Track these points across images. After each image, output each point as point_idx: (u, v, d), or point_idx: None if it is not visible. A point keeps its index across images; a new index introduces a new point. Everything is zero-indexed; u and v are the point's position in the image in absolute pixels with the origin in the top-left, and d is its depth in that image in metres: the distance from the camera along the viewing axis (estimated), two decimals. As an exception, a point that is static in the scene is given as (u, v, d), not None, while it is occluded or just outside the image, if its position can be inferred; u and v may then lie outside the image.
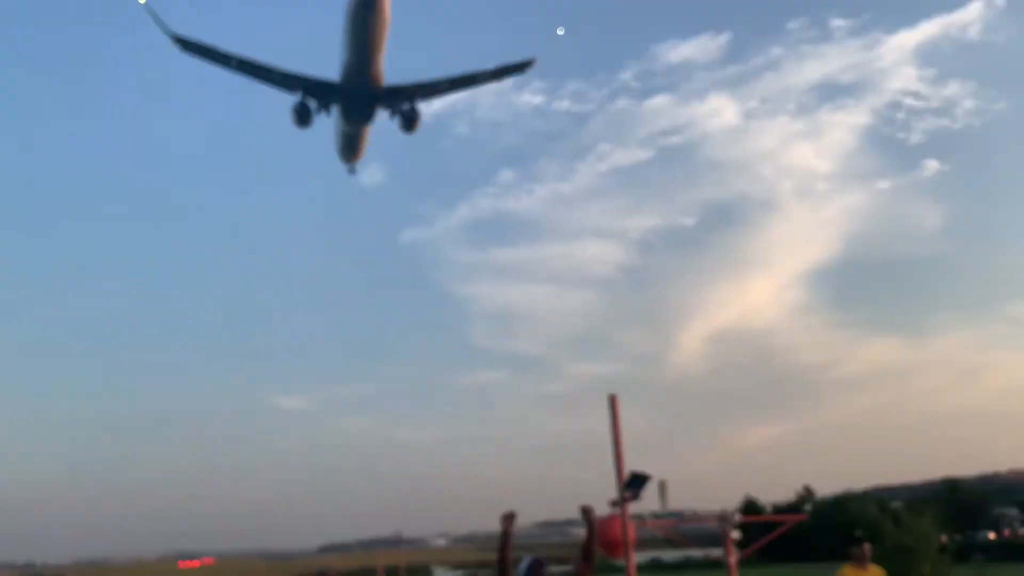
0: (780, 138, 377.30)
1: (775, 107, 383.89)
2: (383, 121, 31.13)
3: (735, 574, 18.44)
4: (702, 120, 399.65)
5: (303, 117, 30.04)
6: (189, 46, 28.21)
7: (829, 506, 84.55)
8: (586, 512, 7.60)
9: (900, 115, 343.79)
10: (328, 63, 29.28)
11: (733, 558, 18.50)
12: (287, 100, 30.14)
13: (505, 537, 7.32)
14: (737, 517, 18.92)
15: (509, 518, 7.37)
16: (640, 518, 22.45)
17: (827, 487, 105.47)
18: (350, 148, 31.83)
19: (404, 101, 30.11)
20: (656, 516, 23.37)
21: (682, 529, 28.50)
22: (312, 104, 29.82)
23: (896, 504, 73.13)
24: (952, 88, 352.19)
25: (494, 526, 7.34)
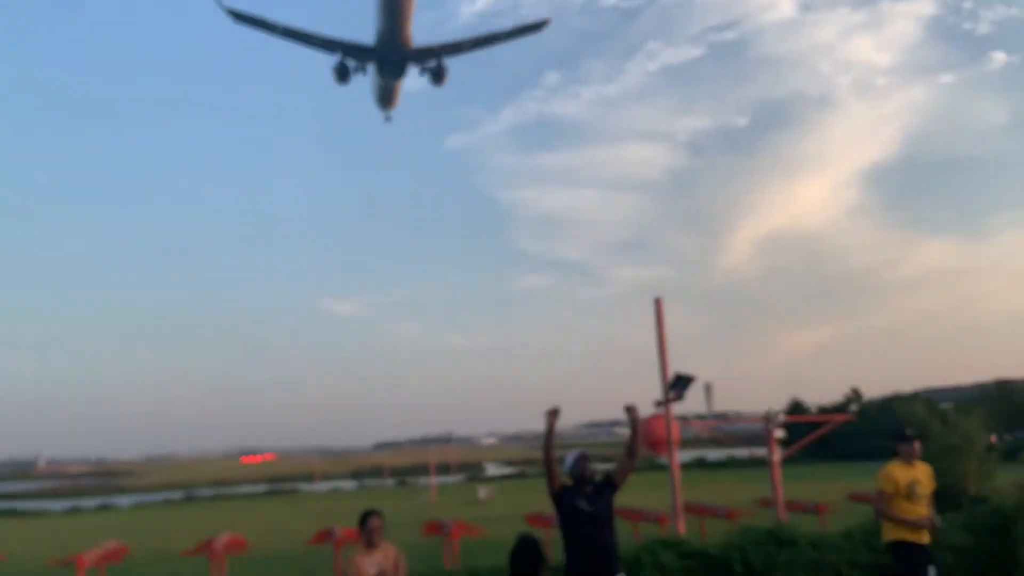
0: (839, 31, 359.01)
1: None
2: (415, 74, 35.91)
3: (778, 472, 18.68)
4: (757, 13, 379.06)
5: (342, 75, 34.65)
6: (241, 18, 32.52)
7: (877, 407, 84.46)
8: (630, 411, 7.68)
9: (967, 4, 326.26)
10: (363, 28, 33.91)
11: (776, 456, 18.71)
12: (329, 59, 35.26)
13: (549, 432, 7.48)
14: (781, 417, 19.00)
15: (553, 413, 7.50)
16: (684, 418, 22.74)
17: (876, 390, 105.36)
18: (385, 98, 36.36)
19: (431, 59, 34.37)
20: (701, 417, 23.63)
21: (726, 429, 28.79)
22: (350, 64, 34.37)
23: (945, 405, 72.71)
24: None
25: (541, 426, 7.51)
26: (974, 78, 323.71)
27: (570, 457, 7.41)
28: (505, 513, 31.85)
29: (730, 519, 20.87)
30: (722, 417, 20.38)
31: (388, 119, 38.20)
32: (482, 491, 51.18)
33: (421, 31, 33.76)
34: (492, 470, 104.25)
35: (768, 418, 18.83)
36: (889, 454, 8.67)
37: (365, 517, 7.13)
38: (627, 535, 16.71)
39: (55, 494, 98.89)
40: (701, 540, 13.78)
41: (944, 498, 10.21)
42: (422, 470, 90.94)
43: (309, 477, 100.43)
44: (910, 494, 8.33)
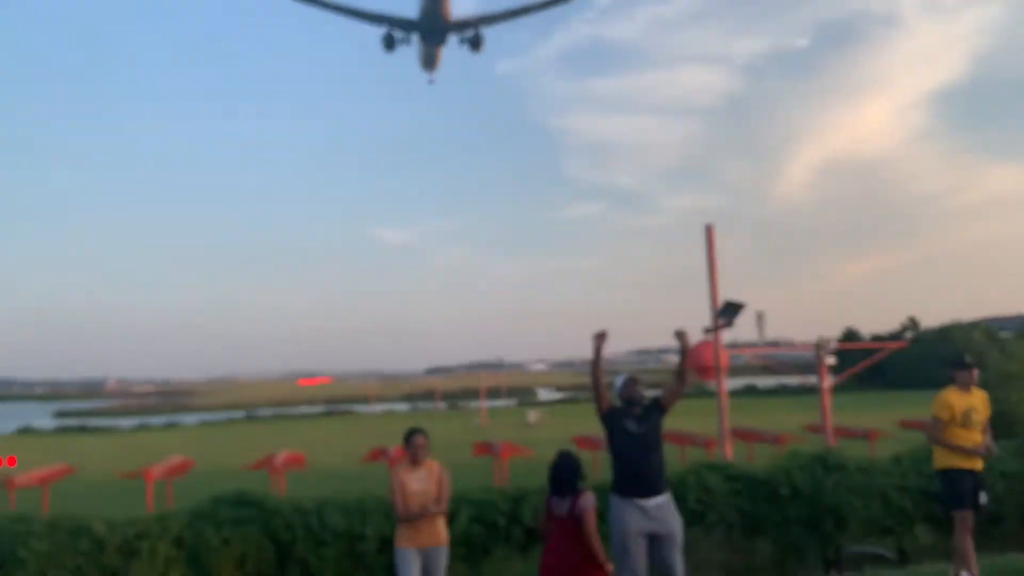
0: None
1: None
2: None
3: (828, 398, 18.55)
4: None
5: (389, 44, 38.79)
6: None
7: (934, 336, 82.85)
8: (680, 336, 7.62)
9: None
10: (407, 5, 38.98)
11: (826, 383, 18.57)
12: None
13: (596, 355, 7.48)
14: (832, 344, 18.76)
15: (600, 336, 7.47)
16: (734, 346, 22.61)
17: (934, 319, 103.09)
18: (429, 63, 39.99)
19: (470, 29, 38.38)
20: (752, 345, 23.43)
21: (778, 356, 28.57)
22: (397, 35, 38.54)
23: (1005, 334, 70.92)
24: None
25: (589, 352, 7.50)
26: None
27: (619, 379, 7.43)
28: (553, 436, 32.36)
29: (778, 444, 20.91)
30: (773, 345, 20.18)
31: (431, 82, 42.02)
32: (531, 415, 52.02)
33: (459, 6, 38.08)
34: (544, 395, 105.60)
35: (819, 345, 18.61)
36: (945, 382, 8.50)
37: (410, 435, 7.17)
38: (674, 459, 16.87)
39: (123, 412, 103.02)
40: (748, 464, 13.86)
41: (999, 426, 10.02)
42: (473, 394, 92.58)
43: (364, 399, 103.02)
44: (965, 421, 8.19)
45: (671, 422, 8.08)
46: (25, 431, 63.74)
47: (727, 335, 18.47)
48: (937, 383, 8.89)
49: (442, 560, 6.99)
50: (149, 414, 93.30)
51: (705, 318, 18.64)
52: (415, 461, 7.11)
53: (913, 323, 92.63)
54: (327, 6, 37.03)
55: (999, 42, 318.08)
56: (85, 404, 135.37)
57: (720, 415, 17.93)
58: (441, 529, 7.06)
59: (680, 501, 7.61)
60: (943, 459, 8.39)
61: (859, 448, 18.93)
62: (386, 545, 9.11)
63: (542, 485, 7.22)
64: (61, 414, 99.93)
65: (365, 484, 12.67)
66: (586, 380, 8.03)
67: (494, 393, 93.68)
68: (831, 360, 18.84)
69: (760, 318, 20.65)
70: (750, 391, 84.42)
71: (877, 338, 77.63)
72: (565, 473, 6.68)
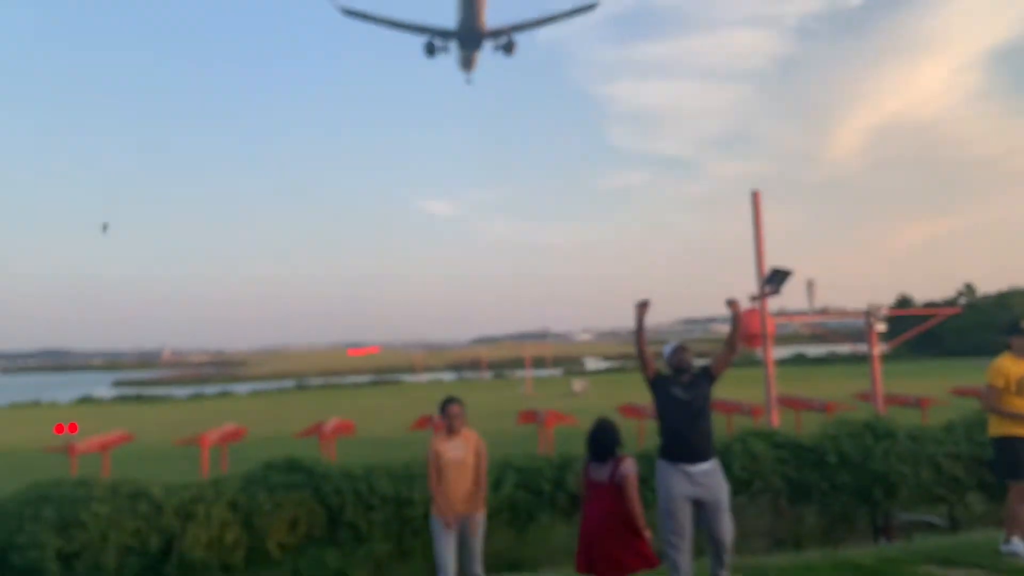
0: None
1: None
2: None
3: (877, 365, 18.23)
4: None
5: (430, 51, 42.68)
6: (352, 13, 40.34)
7: (991, 302, 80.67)
8: (732, 304, 7.56)
9: None
10: (447, 16, 42.26)
11: (876, 350, 18.23)
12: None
13: (639, 324, 7.45)
14: (883, 310, 18.37)
15: (643, 306, 7.44)
16: (783, 313, 22.31)
17: (991, 286, 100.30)
18: (466, 64, 43.57)
19: (503, 37, 41.88)
20: (802, 313, 23.06)
21: (827, 324, 28.07)
22: (437, 43, 42.37)
23: (1066, 300, 68.79)
24: None
25: (633, 321, 7.46)
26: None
27: (668, 347, 7.40)
28: (598, 404, 32.39)
29: (826, 412, 20.65)
30: (823, 312, 19.85)
31: (469, 81, 45.95)
32: (577, 384, 52.09)
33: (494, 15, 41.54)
34: (591, 364, 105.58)
35: (869, 312, 18.25)
36: (1001, 349, 8.28)
37: (445, 404, 7.10)
38: (720, 427, 16.78)
39: (178, 381, 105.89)
40: (795, 432, 13.72)
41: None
42: (518, 364, 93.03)
43: (411, 369, 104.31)
44: (1020, 389, 7.98)
45: (718, 391, 8.04)
46: (85, 400, 65.87)
47: (775, 303, 18.23)
48: (993, 350, 8.65)
49: (478, 527, 6.97)
50: (203, 383, 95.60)
51: (752, 286, 18.43)
52: (451, 430, 7.07)
53: (969, 289, 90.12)
54: (376, 21, 41.22)
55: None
56: (142, 374, 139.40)
57: (767, 383, 17.75)
58: (475, 496, 7.07)
59: (726, 468, 7.59)
60: (998, 427, 8.20)
61: (911, 416, 18.60)
62: (432, 510, 9.26)
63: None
64: (119, 383, 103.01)
65: (412, 451, 12.85)
66: (633, 350, 7.99)
67: (539, 363, 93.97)
68: (881, 327, 18.46)
69: (810, 286, 20.33)
70: (799, 359, 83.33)
71: (930, 305, 75.69)
72: (604, 439, 6.66)
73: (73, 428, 28.17)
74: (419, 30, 42.47)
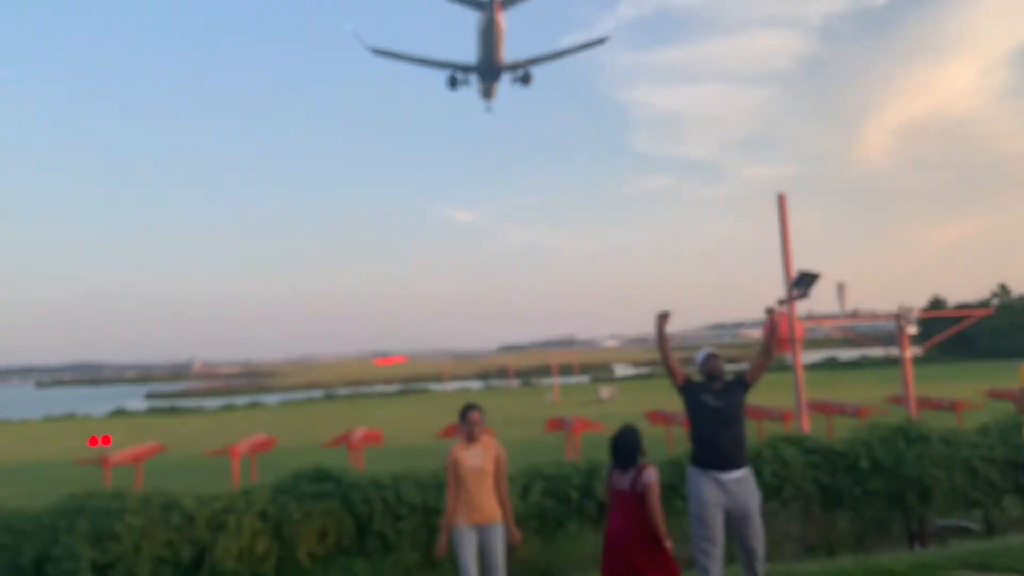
0: None
1: None
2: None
3: (909, 368, 17.96)
4: None
5: (453, 83, 45.98)
6: (381, 52, 44.60)
7: (1025, 303, 79.33)
8: (770, 312, 7.59)
9: None
10: (466, 51, 45.63)
11: (908, 353, 17.97)
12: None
13: (661, 335, 7.45)
14: (914, 312, 18.11)
15: (663, 317, 7.44)
16: (811, 317, 22.06)
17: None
18: (486, 94, 46.79)
19: (520, 70, 45.42)
20: (832, 317, 22.82)
21: (858, 328, 27.74)
22: (459, 76, 45.82)
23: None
24: None
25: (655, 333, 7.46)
26: None
27: (700, 354, 7.40)
28: (626, 411, 32.25)
29: (858, 417, 20.38)
30: (853, 315, 19.61)
31: (489, 109, 48.85)
32: (604, 391, 51.89)
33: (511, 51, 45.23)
34: (620, 371, 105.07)
35: (900, 315, 18.00)
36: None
37: (465, 411, 7.05)
38: (750, 433, 16.61)
39: (209, 393, 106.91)
40: (826, 437, 13.56)
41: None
42: (545, 371, 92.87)
43: (438, 377, 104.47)
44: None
45: (749, 397, 8.01)
46: (119, 412, 66.76)
47: (803, 306, 18.05)
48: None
49: (498, 536, 6.87)
50: (233, 395, 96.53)
51: (780, 289, 18.26)
52: (470, 437, 7.01)
53: (1003, 290, 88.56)
54: (403, 59, 45.08)
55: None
56: (174, 386, 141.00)
57: (796, 388, 17.57)
58: (495, 503, 6.94)
59: (756, 475, 7.53)
60: (1033, 429, 8.06)
61: (945, 420, 18.31)
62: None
63: (612, 459, 7.20)
64: (152, 396, 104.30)
65: (439, 459, 12.84)
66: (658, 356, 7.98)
67: (567, 370, 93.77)
68: (912, 330, 18.20)
69: (840, 289, 20.12)
70: (831, 364, 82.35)
71: (963, 306, 74.45)
72: (626, 446, 6.64)
73: (107, 440, 28.58)
74: (442, 65, 45.74)
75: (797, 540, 11.05)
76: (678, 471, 10.82)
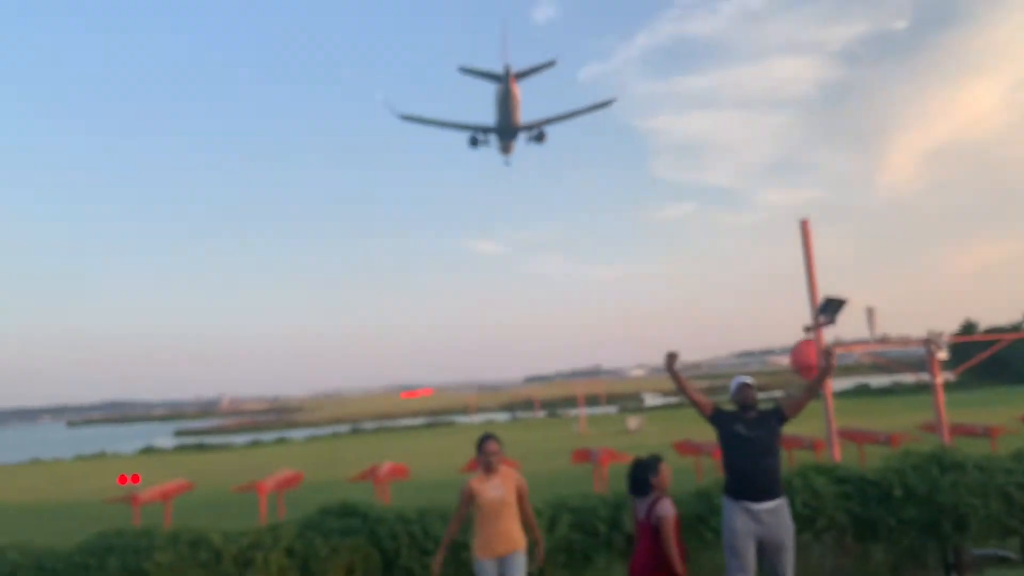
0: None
1: None
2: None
3: (941, 394, 17.66)
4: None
5: (474, 143, 50.16)
6: (409, 118, 49.25)
7: (1060, 326, 77.79)
8: (829, 355, 7.69)
9: None
10: (486, 114, 50.35)
11: (939, 379, 17.68)
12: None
13: (673, 375, 7.47)
14: (944, 337, 17.83)
15: (672, 357, 7.45)
16: (839, 343, 21.80)
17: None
18: (504, 150, 50.68)
19: (535, 129, 49.39)
20: (863, 343, 22.54)
21: (889, 354, 27.34)
22: (479, 136, 49.85)
23: None
24: None
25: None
26: None
27: (734, 383, 7.40)
28: (653, 442, 31.93)
29: (891, 445, 20.04)
30: (883, 341, 19.36)
31: (507, 163, 52.42)
32: (632, 421, 51.44)
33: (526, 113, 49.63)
34: (650, 400, 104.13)
35: (929, 339, 17.74)
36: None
37: (482, 441, 6.87)
38: (782, 462, 16.39)
39: (237, 429, 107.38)
40: (860, 466, 13.34)
41: None
42: (571, 402, 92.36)
43: (464, 410, 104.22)
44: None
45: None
46: (148, 450, 67.22)
47: (830, 332, 17.84)
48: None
49: (519, 565, 6.80)
50: (261, 430, 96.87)
51: (806, 316, 18.10)
52: (488, 469, 6.83)
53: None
54: (428, 123, 49.78)
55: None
56: (202, 423, 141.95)
57: (827, 415, 17.33)
58: (517, 535, 6.86)
59: (788, 505, 7.45)
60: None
61: (980, 446, 17.94)
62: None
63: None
64: (180, 433, 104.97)
65: (466, 493, 12.81)
66: (692, 384, 7.96)
67: (593, 400, 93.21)
68: (942, 355, 17.91)
69: (870, 314, 19.88)
70: (862, 391, 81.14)
71: (994, 330, 73.15)
72: (635, 473, 6.67)
73: (136, 479, 28.76)
74: (464, 128, 50.11)
75: (831, 572, 10.83)
76: (706, 502, 10.68)
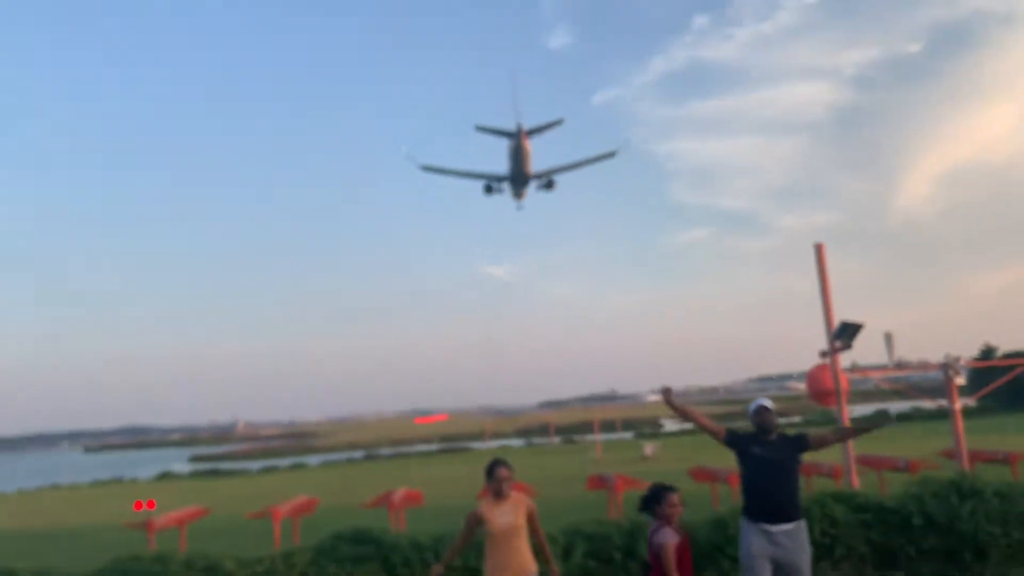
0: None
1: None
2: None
3: (960, 420, 17.46)
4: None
5: (489, 190, 54.98)
6: (429, 168, 54.70)
7: (1082, 350, 76.77)
8: (879, 423, 7.87)
9: None
10: (499, 164, 55.00)
11: (957, 404, 17.50)
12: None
13: (674, 407, 7.54)
14: (961, 362, 17.68)
15: (666, 392, 7.50)
16: (855, 368, 21.65)
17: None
18: (517, 195, 55.36)
19: (545, 178, 54.06)
20: (881, 367, 22.40)
21: (907, 379, 27.11)
22: (493, 185, 54.68)
23: None
24: None
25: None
26: None
27: (752, 405, 7.45)
28: (670, 468, 31.68)
29: (911, 472, 19.79)
30: (900, 366, 19.20)
31: (520, 208, 56.84)
32: (648, 447, 51.05)
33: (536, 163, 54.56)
34: (670, 425, 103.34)
35: (947, 364, 17.59)
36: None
37: (492, 467, 6.71)
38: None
39: (252, 455, 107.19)
40: (878, 493, 13.19)
41: None
42: (587, 428, 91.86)
43: (479, 435, 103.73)
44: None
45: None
46: (164, 476, 67.32)
47: (847, 357, 17.75)
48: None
49: None
50: (276, 456, 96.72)
51: (823, 341, 18.01)
52: (499, 494, 6.66)
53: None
54: (447, 173, 54.75)
55: None
56: (217, 449, 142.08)
57: (845, 442, 17.16)
58: (529, 561, 6.70)
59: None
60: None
61: (1000, 473, 17.70)
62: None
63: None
64: (196, 459, 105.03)
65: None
66: (708, 409, 7.99)
67: (609, 426, 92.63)
68: (960, 380, 17.74)
69: (888, 338, 19.76)
70: (881, 417, 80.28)
71: (1014, 355, 72.23)
72: (648, 498, 6.71)
73: (151, 504, 28.78)
74: (479, 176, 55.19)
75: (850, 601, 10.69)
76: (722, 530, 10.60)
